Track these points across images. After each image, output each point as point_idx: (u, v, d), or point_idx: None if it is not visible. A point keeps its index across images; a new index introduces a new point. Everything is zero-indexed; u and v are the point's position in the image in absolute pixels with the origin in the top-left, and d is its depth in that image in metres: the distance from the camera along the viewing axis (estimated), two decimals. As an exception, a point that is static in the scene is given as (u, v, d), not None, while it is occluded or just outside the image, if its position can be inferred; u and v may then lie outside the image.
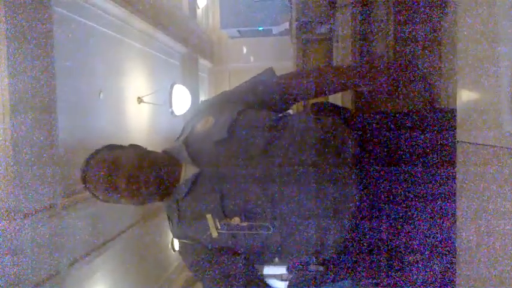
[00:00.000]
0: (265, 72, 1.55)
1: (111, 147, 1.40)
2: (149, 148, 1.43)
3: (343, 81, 1.54)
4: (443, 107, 2.08)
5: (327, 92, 1.56)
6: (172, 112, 6.30)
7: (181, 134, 1.47)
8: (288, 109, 1.58)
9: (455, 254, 0.92)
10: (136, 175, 1.28)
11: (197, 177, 1.29)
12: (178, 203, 1.33)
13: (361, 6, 2.54)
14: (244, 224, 1.23)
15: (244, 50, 9.98)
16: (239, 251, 1.30)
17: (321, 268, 1.31)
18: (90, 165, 1.33)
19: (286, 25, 6.42)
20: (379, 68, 1.54)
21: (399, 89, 1.49)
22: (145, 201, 1.34)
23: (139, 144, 1.44)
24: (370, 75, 1.52)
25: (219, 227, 1.25)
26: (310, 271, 1.33)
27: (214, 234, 1.26)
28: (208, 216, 1.25)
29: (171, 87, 6.34)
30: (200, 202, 1.28)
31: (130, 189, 1.27)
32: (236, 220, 1.23)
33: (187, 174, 1.32)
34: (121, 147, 1.41)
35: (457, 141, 0.89)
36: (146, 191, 1.29)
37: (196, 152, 1.33)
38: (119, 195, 1.30)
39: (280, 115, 1.40)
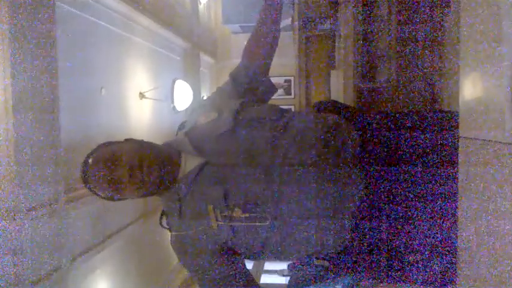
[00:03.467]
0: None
1: (108, 144, 1.38)
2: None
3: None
4: (444, 109, 2.07)
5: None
6: (174, 108, 6.29)
7: (179, 129, 1.47)
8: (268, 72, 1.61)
9: (455, 254, 0.92)
10: (139, 164, 1.26)
11: (202, 167, 1.29)
12: (179, 196, 1.32)
13: (363, 5, 2.54)
14: (246, 215, 1.22)
15: (246, 46, 9.93)
16: (239, 251, 1.30)
17: (326, 264, 1.31)
18: (89, 164, 1.31)
19: (288, 21, 6.40)
20: None
21: None
22: (149, 191, 1.32)
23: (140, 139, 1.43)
24: None
25: (220, 219, 1.24)
26: (312, 269, 1.33)
27: (214, 226, 1.25)
28: (210, 207, 1.24)
29: (173, 82, 6.32)
30: (203, 193, 1.28)
31: (134, 179, 1.26)
32: (237, 212, 1.23)
33: (190, 165, 1.31)
34: (117, 142, 1.39)
35: (460, 137, 0.89)
36: (149, 179, 1.27)
37: (200, 144, 1.32)
38: (122, 187, 1.27)
39: (283, 108, 1.41)
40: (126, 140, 1.41)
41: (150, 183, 1.28)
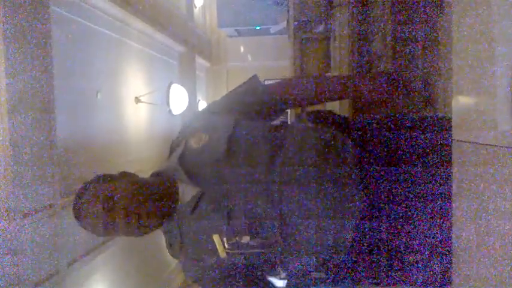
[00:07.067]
0: (252, 79, 1.52)
1: (102, 179, 1.32)
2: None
3: (342, 81, 1.53)
4: (443, 114, 2.07)
5: (327, 93, 1.52)
6: (170, 111, 6.28)
7: (171, 151, 1.43)
8: (279, 115, 1.54)
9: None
10: (135, 208, 1.22)
11: (199, 198, 1.25)
12: (180, 225, 1.30)
13: (360, 5, 2.54)
14: (254, 243, 1.21)
15: (242, 49, 9.97)
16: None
17: (323, 275, 1.31)
18: (82, 201, 1.27)
19: (284, 24, 6.41)
20: (378, 70, 1.54)
21: (399, 89, 1.48)
22: (146, 232, 1.29)
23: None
24: (369, 76, 1.51)
25: (227, 247, 1.22)
26: (310, 279, 1.33)
27: (223, 255, 1.23)
28: (215, 236, 1.22)
29: (169, 86, 6.31)
30: (205, 223, 1.25)
31: (129, 223, 1.22)
32: (246, 239, 1.20)
33: (187, 195, 1.28)
34: (112, 177, 1.34)
35: (454, 140, 0.90)
36: (147, 222, 1.24)
37: (194, 172, 1.28)
38: (117, 231, 1.24)
39: (278, 123, 1.40)
40: (122, 173, 1.36)
41: (148, 224, 1.25)
